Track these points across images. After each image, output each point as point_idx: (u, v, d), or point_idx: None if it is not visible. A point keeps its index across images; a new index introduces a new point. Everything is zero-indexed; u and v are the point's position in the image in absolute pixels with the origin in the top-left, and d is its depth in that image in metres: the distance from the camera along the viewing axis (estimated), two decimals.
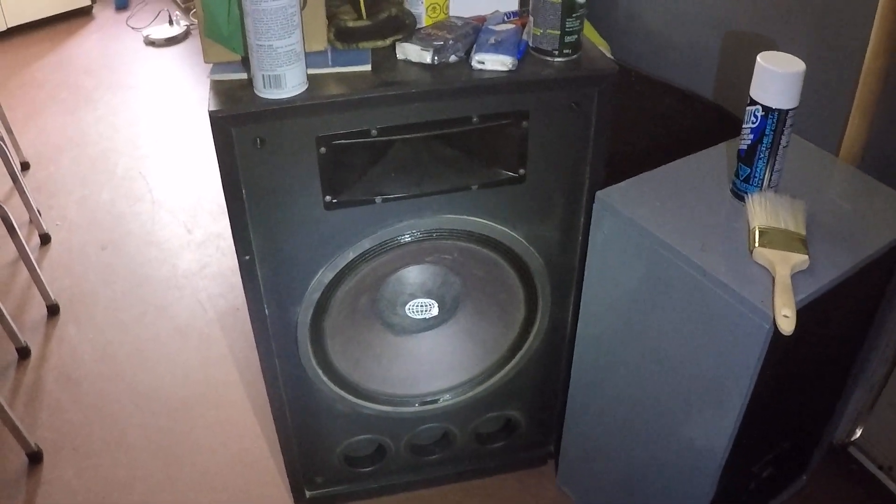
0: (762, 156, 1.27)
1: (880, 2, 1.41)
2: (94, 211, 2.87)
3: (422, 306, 1.55)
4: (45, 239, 2.73)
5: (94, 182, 3.04)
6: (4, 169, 2.55)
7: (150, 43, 4.10)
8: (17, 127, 3.19)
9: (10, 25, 4.09)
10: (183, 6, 4.42)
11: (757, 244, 1.20)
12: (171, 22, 4.18)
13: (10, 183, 2.65)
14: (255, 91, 1.23)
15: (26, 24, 4.17)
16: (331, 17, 1.32)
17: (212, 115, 1.21)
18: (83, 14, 4.41)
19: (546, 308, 1.57)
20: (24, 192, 2.63)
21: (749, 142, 1.27)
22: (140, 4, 4.52)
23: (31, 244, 2.69)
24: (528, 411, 1.77)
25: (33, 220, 2.73)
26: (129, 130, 3.38)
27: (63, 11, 4.30)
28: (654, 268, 1.29)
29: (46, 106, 3.57)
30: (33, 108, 3.55)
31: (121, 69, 3.88)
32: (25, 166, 3.12)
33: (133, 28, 4.27)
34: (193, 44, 4.11)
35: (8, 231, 2.24)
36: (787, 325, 1.09)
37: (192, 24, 4.23)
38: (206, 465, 1.96)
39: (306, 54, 1.24)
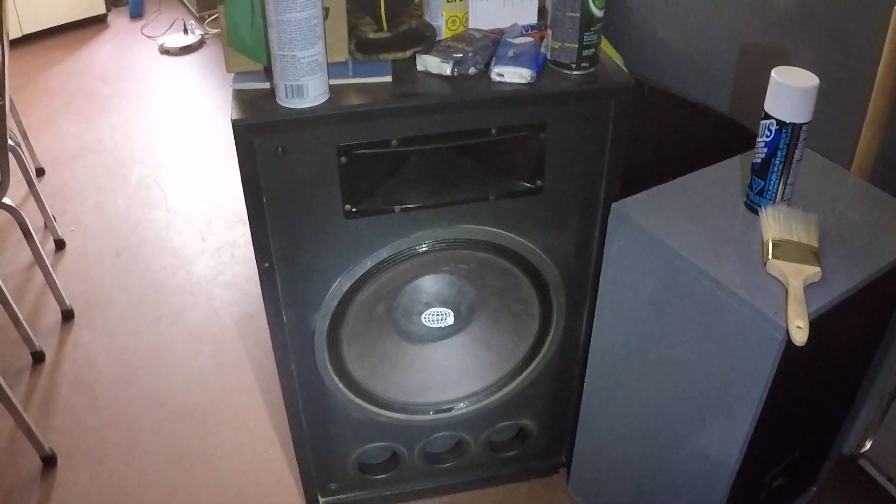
0: (776, 169, 1.28)
1: (892, 18, 1.42)
2: (109, 217, 2.90)
3: (437, 315, 1.57)
4: (60, 245, 2.75)
5: (108, 189, 3.06)
6: (20, 174, 2.57)
7: (165, 51, 4.13)
8: (32, 133, 3.22)
9: (25, 32, 4.12)
10: (198, 15, 4.45)
11: (770, 256, 1.21)
12: (185, 31, 4.21)
13: (26, 188, 2.67)
14: (278, 100, 1.25)
15: (42, 31, 4.20)
16: (352, 29, 1.34)
17: (234, 123, 1.23)
18: (98, 22, 4.45)
19: (560, 318, 1.59)
20: (40, 197, 2.66)
21: (763, 155, 1.28)
22: (155, 13, 4.55)
23: (46, 249, 2.71)
24: (541, 420, 1.79)
25: (48, 226, 2.75)
26: (144, 138, 3.41)
27: (78, 19, 4.33)
28: (669, 279, 1.31)
29: (61, 113, 3.60)
30: (48, 114, 3.58)
31: (136, 77, 3.91)
32: (40, 172, 3.15)
33: (148, 36, 4.30)
34: (208, 53, 4.14)
35: (24, 236, 2.26)
36: (800, 335, 1.11)
37: (206, 34, 4.26)
38: (220, 470, 1.98)
39: (328, 65, 1.26)
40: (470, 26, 1.41)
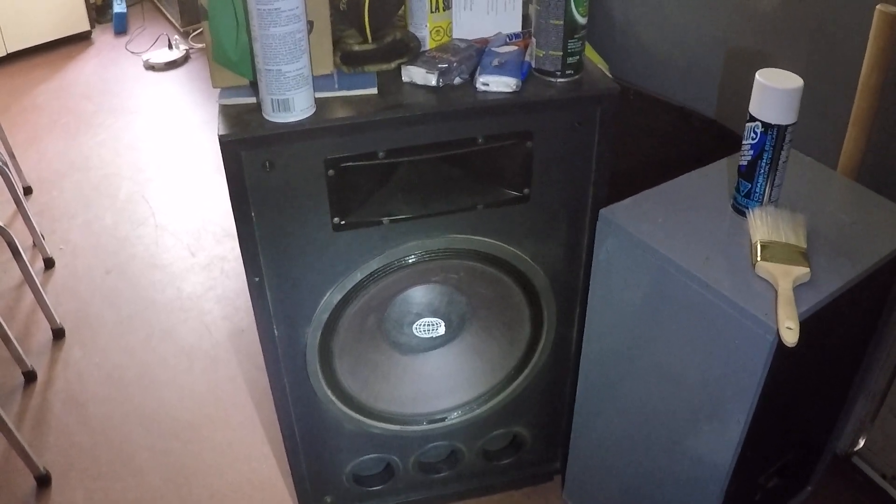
0: (762, 171, 1.29)
1: (874, 20, 1.43)
2: (98, 235, 2.89)
3: (428, 325, 1.57)
4: (49, 263, 2.74)
5: (97, 206, 3.06)
6: (7, 194, 2.57)
7: (150, 67, 4.12)
8: (18, 152, 3.20)
9: (10, 51, 4.11)
10: (182, 30, 4.45)
11: (759, 258, 1.22)
12: (170, 46, 4.20)
13: (14, 207, 2.66)
14: (264, 115, 1.25)
15: (26, 49, 4.18)
16: (337, 42, 1.34)
17: (222, 139, 1.23)
18: (82, 39, 4.43)
19: (551, 325, 1.59)
20: (28, 216, 2.65)
21: (749, 157, 1.29)
22: (139, 29, 4.54)
23: (35, 268, 2.69)
24: (535, 428, 1.79)
25: (37, 245, 2.74)
26: (131, 154, 3.40)
27: (63, 36, 4.31)
28: (658, 283, 1.31)
29: (48, 131, 3.59)
30: (35, 132, 3.57)
31: (121, 94, 3.90)
32: (28, 191, 3.14)
33: (132, 52, 4.29)
34: (193, 68, 4.13)
35: (13, 255, 2.25)
36: (790, 336, 1.11)
37: (191, 49, 4.25)
38: (214, 486, 1.97)
39: (313, 78, 1.26)
40: (454, 36, 1.42)
